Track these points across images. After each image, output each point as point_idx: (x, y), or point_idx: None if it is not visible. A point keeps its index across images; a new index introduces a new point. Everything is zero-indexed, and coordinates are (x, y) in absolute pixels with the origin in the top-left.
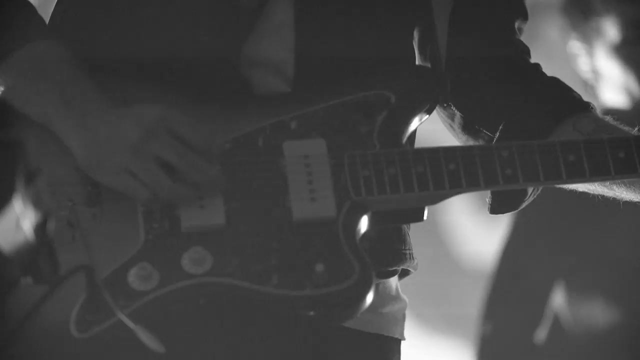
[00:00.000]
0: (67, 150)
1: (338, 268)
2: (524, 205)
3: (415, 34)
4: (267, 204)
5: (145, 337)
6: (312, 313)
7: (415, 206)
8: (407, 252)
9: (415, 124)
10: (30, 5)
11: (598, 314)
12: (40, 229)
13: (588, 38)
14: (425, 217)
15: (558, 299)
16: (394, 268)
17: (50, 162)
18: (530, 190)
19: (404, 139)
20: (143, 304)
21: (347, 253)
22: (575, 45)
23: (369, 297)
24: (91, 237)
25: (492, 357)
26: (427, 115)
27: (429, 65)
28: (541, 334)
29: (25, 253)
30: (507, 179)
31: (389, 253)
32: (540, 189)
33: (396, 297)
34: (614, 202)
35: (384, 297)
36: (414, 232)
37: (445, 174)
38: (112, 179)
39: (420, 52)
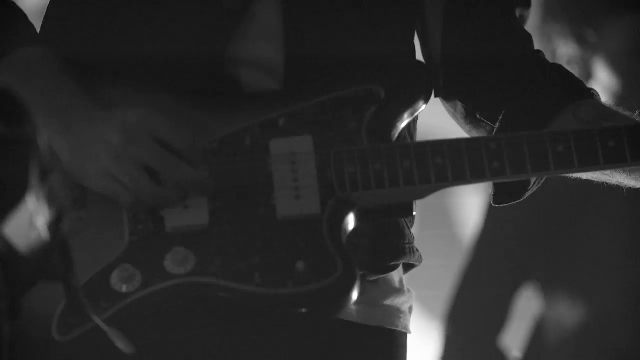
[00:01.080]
0: (54, 154)
1: (320, 265)
2: (527, 194)
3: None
4: (252, 202)
5: (118, 340)
6: (303, 310)
7: (402, 201)
8: (407, 246)
9: (406, 119)
10: (20, 10)
11: (569, 313)
12: (54, 226)
13: (585, 45)
14: (414, 212)
15: (529, 299)
16: (393, 263)
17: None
18: (533, 179)
19: (394, 134)
20: (125, 306)
21: (330, 250)
22: (570, 51)
23: (354, 294)
24: (76, 239)
25: (455, 358)
26: (420, 110)
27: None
28: (504, 338)
29: (39, 251)
30: (495, 172)
31: (387, 248)
32: (544, 178)
33: (399, 290)
34: (586, 199)
35: (385, 290)
36: (428, 229)
37: (432, 167)
38: (96, 183)
39: (423, 47)
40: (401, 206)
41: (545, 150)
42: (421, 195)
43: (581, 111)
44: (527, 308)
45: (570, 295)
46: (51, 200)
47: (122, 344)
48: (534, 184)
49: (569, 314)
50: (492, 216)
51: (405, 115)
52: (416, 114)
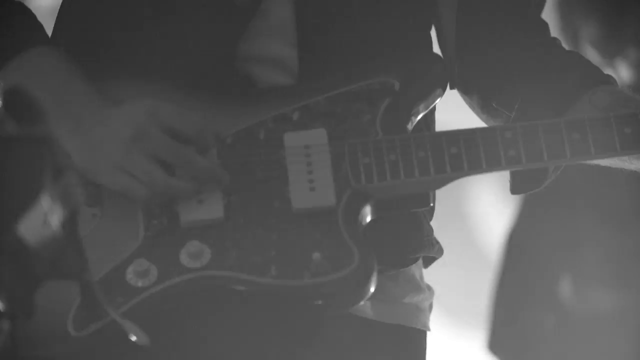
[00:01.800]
0: (67, 153)
1: (337, 256)
2: (546, 183)
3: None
4: (267, 195)
5: (135, 334)
6: (319, 302)
7: (418, 192)
8: (426, 238)
9: (421, 111)
10: (29, 11)
11: (605, 300)
12: (68, 225)
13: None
14: (431, 203)
15: (565, 286)
16: (412, 256)
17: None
18: (551, 167)
19: (409, 127)
20: (141, 300)
21: (347, 241)
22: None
23: (371, 285)
24: (91, 236)
25: (502, 345)
26: (435, 102)
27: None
28: (551, 321)
29: (52, 249)
30: (510, 160)
31: (405, 241)
32: (563, 166)
33: (419, 287)
34: (622, 188)
35: (405, 287)
36: (441, 225)
37: (447, 157)
38: (110, 179)
39: (438, 38)
40: (417, 197)
41: (561, 137)
42: (437, 186)
43: (597, 97)
44: (566, 295)
45: (606, 286)
46: (64, 198)
47: (138, 338)
48: (552, 172)
49: (604, 305)
50: (527, 208)
51: (420, 107)
52: (431, 106)
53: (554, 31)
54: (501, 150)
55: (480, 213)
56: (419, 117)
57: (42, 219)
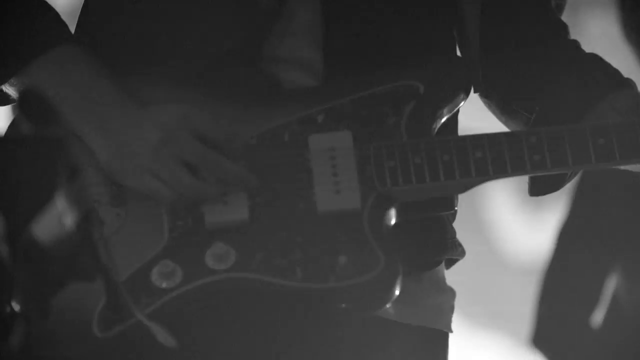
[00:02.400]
0: (92, 152)
1: (362, 259)
2: (565, 185)
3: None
4: (292, 198)
5: (161, 335)
6: (343, 305)
7: (443, 195)
8: (449, 240)
9: (445, 114)
10: (53, 9)
11: None
12: (83, 225)
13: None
14: (456, 207)
15: (615, 283)
16: (436, 258)
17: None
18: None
19: (434, 130)
20: (166, 302)
21: (373, 244)
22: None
23: (396, 289)
24: (115, 237)
25: (547, 339)
26: (460, 105)
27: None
28: (598, 318)
29: (67, 249)
30: (535, 165)
31: (429, 244)
32: (581, 170)
33: (442, 288)
34: None
35: (428, 289)
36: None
37: (472, 161)
38: (136, 181)
39: (461, 41)
40: (442, 201)
41: (586, 142)
42: (461, 190)
43: (619, 101)
44: (616, 292)
45: None
46: (79, 199)
47: (163, 340)
48: (571, 174)
49: None
50: (578, 201)
51: (445, 110)
52: (456, 109)
53: (615, 25)
54: (526, 155)
55: (498, 215)
56: (443, 120)
57: (57, 220)
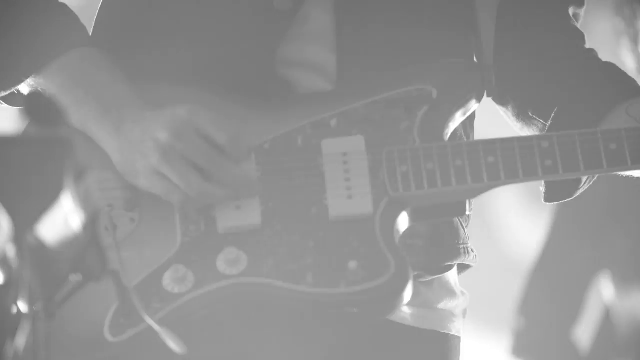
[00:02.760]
0: (107, 156)
1: (373, 265)
2: (579, 192)
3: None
4: (304, 202)
5: (171, 340)
6: (354, 310)
7: (455, 200)
8: (462, 246)
9: (458, 118)
10: (71, 12)
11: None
12: (89, 226)
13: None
14: (468, 211)
15: (604, 291)
16: (448, 264)
17: (91, 166)
18: (584, 177)
19: (447, 134)
20: (177, 307)
21: (383, 249)
22: (625, 44)
23: (406, 294)
24: (128, 241)
25: (526, 350)
26: (472, 109)
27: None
28: (578, 330)
29: (74, 250)
30: (547, 170)
31: (442, 249)
32: (596, 176)
33: (453, 293)
34: None
35: (439, 293)
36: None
37: (484, 166)
38: (147, 182)
39: (476, 46)
40: (454, 205)
41: (598, 148)
42: (473, 195)
43: (634, 108)
44: (599, 300)
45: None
46: (85, 200)
47: (174, 345)
48: (585, 182)
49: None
50: (564, 209)
51: (458, 114)
52: (468, 114)
53: (616, 33)
54: (538, 160)
55: (509, 220)
56: (456, 124)
57: (64, 222)
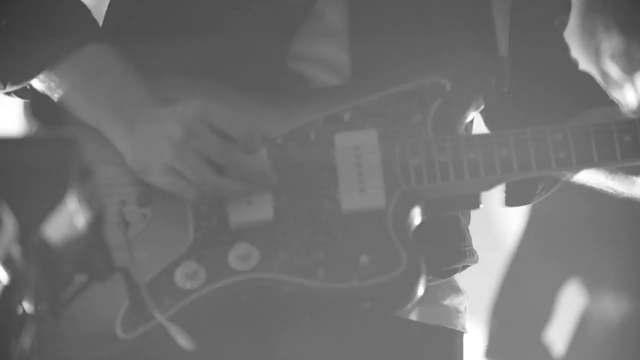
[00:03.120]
0: (119, 152)
1: (384, 259)
2: (536, 200)
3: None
4: (317, 197)
5: (180, 337)
6: (367, 305)
7: (469, 193)
8: (467, 249)
9: (472, 111)
10: (84, 6)
11: (615, 308)
12: (94, 226)
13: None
14: (481, 205)
15: (576, 294)
16: (454, 266)
17: (103, 163)
18: (540, 186)
19: (460, 127)
20: (189, 303)
21: (396, 243)
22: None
23: (419, 288)
24: (141, 238)
25: (498, 352)
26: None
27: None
28: (550, 332)
29: (79, 250)
30: (560, 162)
31: (449, 252)
32: (556, 186)
33: (457, 289)
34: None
35: (445, 289)
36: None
37: (497, 159)
38: (160, 179)
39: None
40: (467, 198)
41: (612, 139)
42: (486, 188)
43: (594, 117)
44: (571, 303)
45: (615, 290)
46: (90, 199)
47: (184, 341)
48: (541, 190)
49: (613, 308)
50: (536, 211)
51: (471, 107)
52: (482, 107)
53: (577, 47)
54: (551, 151)
55: (508, 217)
56: (470, 117)
57: (69, 221)
